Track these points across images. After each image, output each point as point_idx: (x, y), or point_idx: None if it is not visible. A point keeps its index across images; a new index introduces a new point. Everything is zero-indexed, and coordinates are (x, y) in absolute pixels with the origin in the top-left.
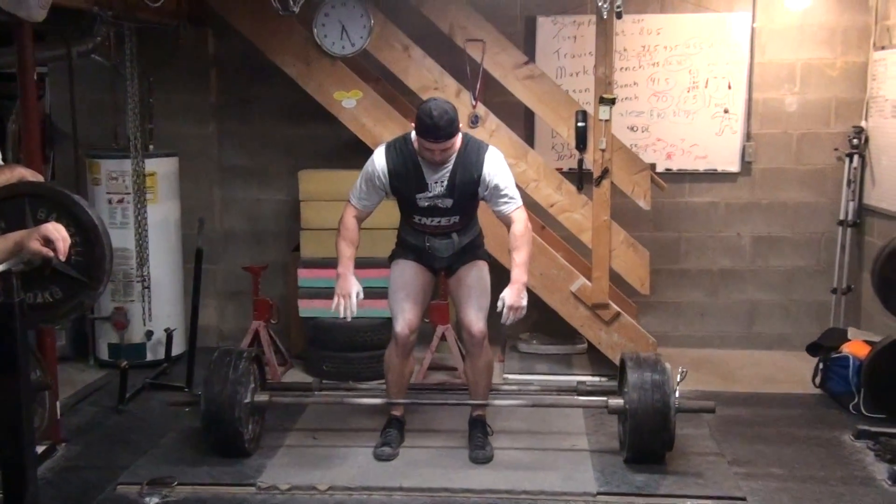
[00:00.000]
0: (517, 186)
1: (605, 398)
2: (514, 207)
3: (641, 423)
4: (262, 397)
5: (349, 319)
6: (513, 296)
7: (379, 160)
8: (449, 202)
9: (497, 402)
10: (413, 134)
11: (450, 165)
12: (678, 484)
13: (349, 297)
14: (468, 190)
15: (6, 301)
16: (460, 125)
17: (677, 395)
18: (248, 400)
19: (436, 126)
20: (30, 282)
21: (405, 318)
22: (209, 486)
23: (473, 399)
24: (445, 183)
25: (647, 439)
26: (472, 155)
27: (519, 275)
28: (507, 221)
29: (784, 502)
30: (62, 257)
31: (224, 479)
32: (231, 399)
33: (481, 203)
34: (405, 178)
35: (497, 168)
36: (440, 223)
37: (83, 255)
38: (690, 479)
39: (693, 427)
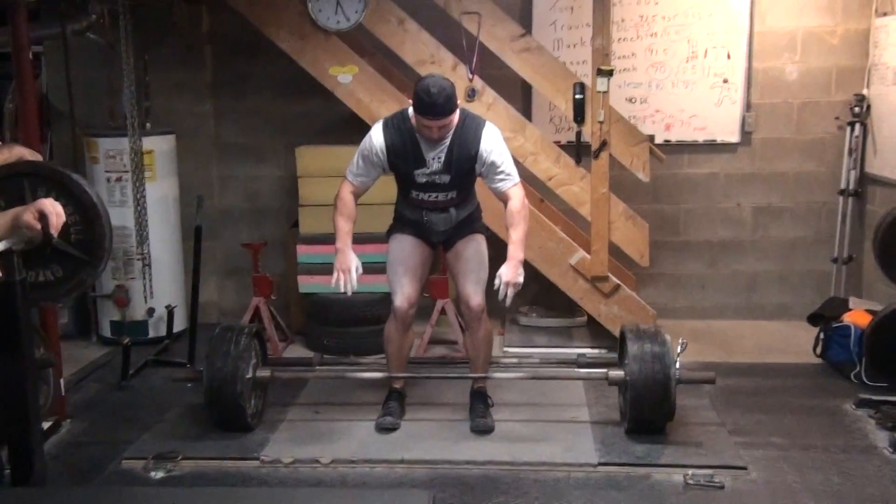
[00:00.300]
0: (515, 162)
1: (605, 370)
2: (511, 184)
3: (642, 395)
4: (264, 372)
5: (349, 294)
6: (510, 272)
7: (377, 136)
8: (446, 178)
9: (497, 374)
10: (410, 110)
11: (447, 141)
12: (679, 454)
13: (349, 273)
14: (465, 166)
15: (8, 280)
16: (458, 100)
17: (678, 366)
18: (249, 375)
19: (434, 103)
20: (31, 260)
21: (404, 292)
22: (213, 461)
23: (474, 372)
24: (443, 158)
25: (647, 410)
26: (470, 131)
27: (515, 251)
28: (503, 198)
29: (785, 471)
30: (54, 232)
31: (228, 454)
32: (233, 375)
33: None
34: (403, 155)
35: (494, 144)
36: (438, 198)
37: (83, 233)
38: (691, 448)
39: (694, 397)
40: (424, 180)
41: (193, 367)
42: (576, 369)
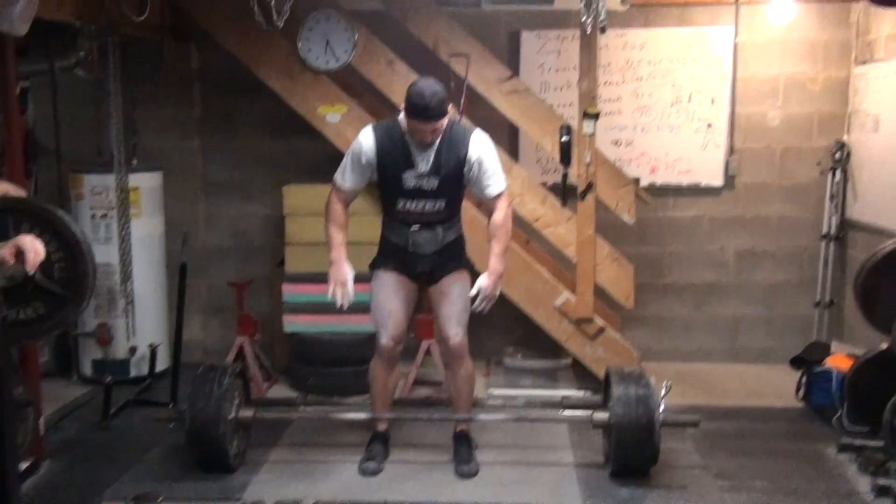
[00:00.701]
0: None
1: (589, 412)
2: (499, 190)
3: (626, 437)
4: (247, 413)
5: (345, 307)
6: (490, 286)
7: (365, 138)
8: (434, 182)
9: (481, 416)
10: (401, 117)
11: (436, 144)
12: (663, 497)
13: (345, 285)
14: (454, 170)
15: None
16: (446, 103)
17: (662, 408)
18: (232, 415)
19: (427, 106)
20: (12, 297)
21: (389, 331)
22: (194, 503)
23: (456, 412)
24: (431, 160)
25: (631, 453)
26: (459, 134)
27: (497, 265)
28: (489, 206)
29: None
30: (30, 269)
31: (209, 495)
32: (216, 415)
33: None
34: (392, 156)
35: (483, 148)
36: (425, 208)
37: (66, 270)
38: (675, 492)
39: (677, 440)
40: (413, 184)
41: (176, 406)
42: (560, 411)
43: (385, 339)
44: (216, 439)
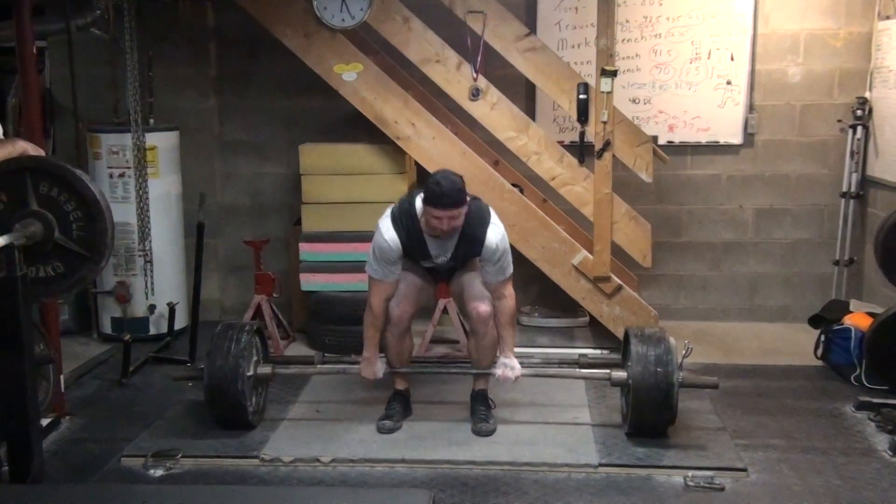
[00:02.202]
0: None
1: (608, 371)
2: (504, 279)
3: (644, 398)
4: (265, 369)
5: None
6: (509, 379)
7: (388, 234)
8: (452, 263)
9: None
10: (418, 204)
11: (454, 240)
12: (679, 455)
13: (376, 380)
14: (471, 255)
15: (9, 275)
16: (467, 201)
17: (681, 370)
18: (250, 373)
19: (444, 193)
20: (32, 256)
21: (398, 302)
22: (213, 459)
23: (478, 375)
24: (449, 255)
25: (649, 414)
26: (475, 229)
27: (512, 356)
28: (496, 292)
29: (785, 473)
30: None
31: (228, 452)
32: (234, 372)
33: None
34: (409, 249)
35: (497, 242)
36: (444, 269)
37: (85, 229)
38: (692, 450)
39: (695, 399)
40: (430, 265)
41: (194, 364)
42: (578, 369)
43: (392, 310)
44: (234, 396)
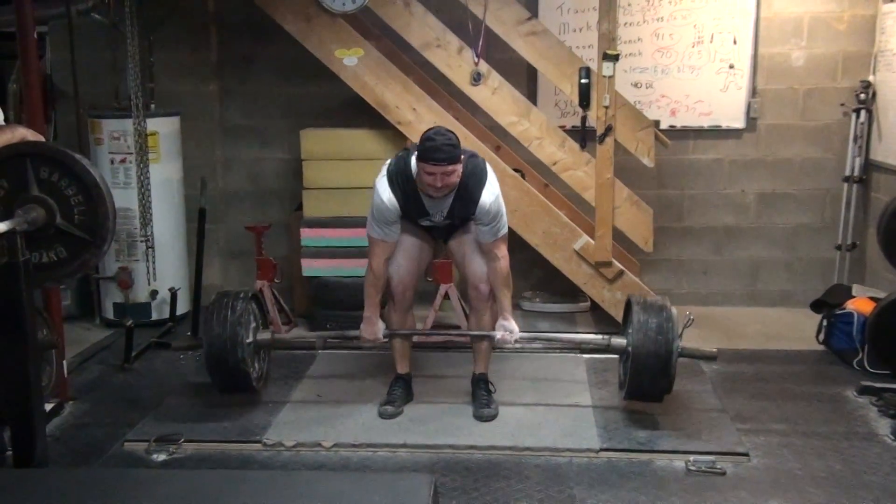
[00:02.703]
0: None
1: (607, 337)
2: (499, 237)
3: (643, 365)
4: (265, 336)
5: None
6: (509, 341)
7: (385, 194)
8: (448, 222)
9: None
10: (413, 163)
11: (450, 199)
12: (681, 440)
13: (375, 342)
14: (467, 216)
15: (12, 261)
16: (462, 159)
17: (681, 339)
18: (250, 340)
19: (437, 148)
20: (34, 241)
21: (399, 275)
22: (215, 443)
23: (477, 355)
24: (445, 213)
25: (647, 381)
26: (471, 188)
27: (510, 319)
28: (490, 253)
29: (786, 457)
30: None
31: (230, 436)
32: (233, 340)
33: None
34: (406, 209)
35: (493, 198)
36: (441, 227)
37: (86, 214)
38: (693, 435)
39: (696, 383)
40: (427, 224)
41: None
42: (576, 336)
43: (394, 284)
44: (235, 364)
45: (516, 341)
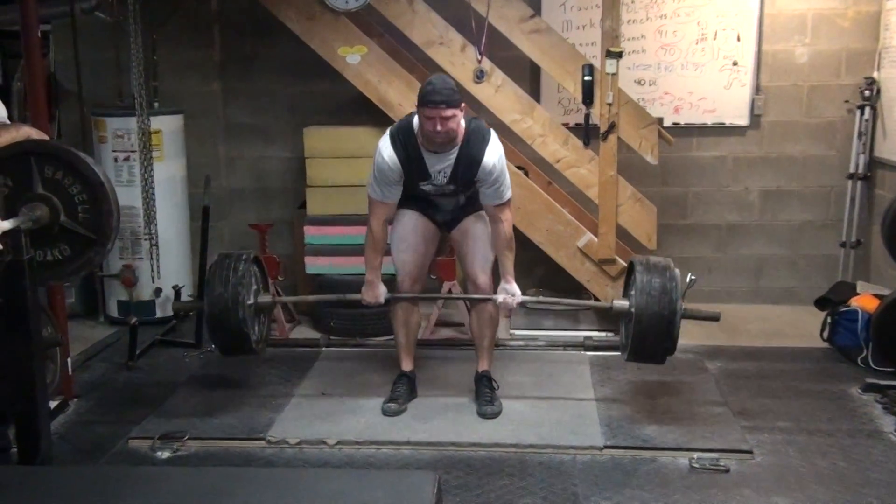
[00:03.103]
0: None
1: (609, 304)
2: (503, 201)
3: (645, 326)
4: (266, 299)
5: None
6: (511, 305)
7: (386, 151)
8: (452, 188)
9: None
10: (415, 122)
11: (453, 157)
12: (685, 437)
13: (378, 305)
14: (469, 178)
15: (16, 259)
16: (462, 107)
17: (684, 301)
18: (251, 301)
19: (435, 90)
20: (38, 239)
21: (406, 269)
22: (219, 441)
23: (479, 353)
24: (448, 174)
25: (649, 343)
26: (475, 148)
27: (513, 283)
28: (493, 216)
29: (790, 455)
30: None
31: (234, 433)
32: (234, 301)
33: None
34: (408, 168)
35: (496, 158)
36: (444, 192)
37: (90, 212)
38: (697, 432)
39: (700, 381)
40: (430, 190)
41: (202, 347)
42: (579, 300)
43: (401, 279)
44: (236, 324)
45: (518, 304)
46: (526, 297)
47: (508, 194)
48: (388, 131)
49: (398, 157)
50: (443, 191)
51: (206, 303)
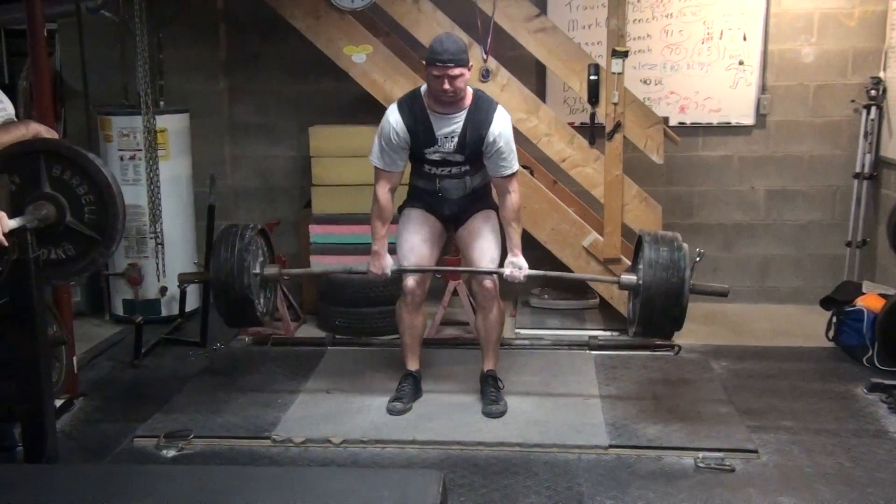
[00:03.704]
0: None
1: (616, 277)
2: (511, 171)
3: (653, 301)
4: (272, 270)
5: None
6: (518, 277)
7: (393, 116)
8: (459, 157)
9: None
10: (423, 88)
11: (460, 122)
12: (690, 436)
13: (384, 278)
14: (477, 147)
15: (22, 257)
16: (470, 66)
17: (692, 276)
18: (257, 271)
19: (444, 48)
20: (43, 238)
21: (414, 278)
22: (225, 439)
23: (485, 353)
24: (455, 140)
25: (657, 317)
26: (482, 112)
27: (520, 256)
28: (501, 187)
29: (796, 454)
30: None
31: (239, 432)
32: (240, 267)
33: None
34: (414, 132)
35: (503, 130)
36: (451, 171)
37: (97, 213)
38: (702, 431)
39: (705, 380)
40: (437, 157)
41: (206, 348)
42: (584, 276)
43: (406, 281)
44: (241, 291)
45: (525, 277)
46: (533, 271)
47: (516, 165)
48: (396, 100)
49: (404, 122)
50: (450, 165)
51: (212, 268)
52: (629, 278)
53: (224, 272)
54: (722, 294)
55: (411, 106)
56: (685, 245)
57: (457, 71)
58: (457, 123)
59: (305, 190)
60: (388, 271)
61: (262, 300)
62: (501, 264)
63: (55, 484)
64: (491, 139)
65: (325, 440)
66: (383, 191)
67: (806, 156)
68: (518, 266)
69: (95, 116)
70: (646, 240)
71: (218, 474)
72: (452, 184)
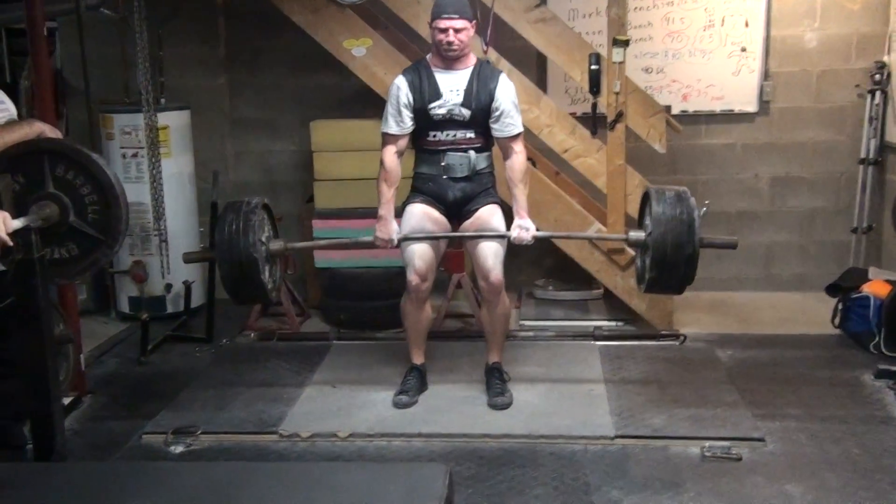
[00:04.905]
0: (530, 134)
1: (623, 235)
2: (519, 130)
3: (662, 256)
4: (277, 245)
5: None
6: (526, 239)
7: (399, 79)
8: (466, 112)
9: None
10: (428, 56)
11: (465, 77)
12: (696, 426)
13: (390, 245)
14: (485, 104)
15: (27, 257)
16: (474, 24)
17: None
18: (262, 238)
19: (449, 3)
20: (47, 237)
21: (416, 266)
22: (232, 435)
23: (489, 347)
24: (462, 92)
25: (667, 273)
26: (488, 71)
27: (526, 217)
28: (507, 149)
29: (803, 442)
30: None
31: (246, 428)
32: (245, 241)
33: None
34: (419, 89)
35: (510, 88)
36: (456, 136)
37: (100, 213)
38: (708, 420)
39: (710, 368)
40: (443, 112)
41: (212, 342)
42: (592, 234)
43: (412, 276)
44: (246, 250)
45: (533, 238)
46: (540, 233)
47: (521, 128)
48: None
49: (410, 79)
50: (454, 128)
51: (217, 241)
52: (637, 235)
53: (229, 246)
54: (731, 246)
55: (416, 67)
56: (693, 199)
57: (461, 23)
58: (462, 78)
59: (307, 185)
60: (395, 237)
61: (267, 275)
62: (505, 260)
63: (65, 482)
64: (501, 96)
65: (331, 434)
66: (390, 154)
67: (810, 142)
68: (525, 227)
69: (97, 114)
70: (652, 195)
71: (226, 470)
72: (456, 158)
